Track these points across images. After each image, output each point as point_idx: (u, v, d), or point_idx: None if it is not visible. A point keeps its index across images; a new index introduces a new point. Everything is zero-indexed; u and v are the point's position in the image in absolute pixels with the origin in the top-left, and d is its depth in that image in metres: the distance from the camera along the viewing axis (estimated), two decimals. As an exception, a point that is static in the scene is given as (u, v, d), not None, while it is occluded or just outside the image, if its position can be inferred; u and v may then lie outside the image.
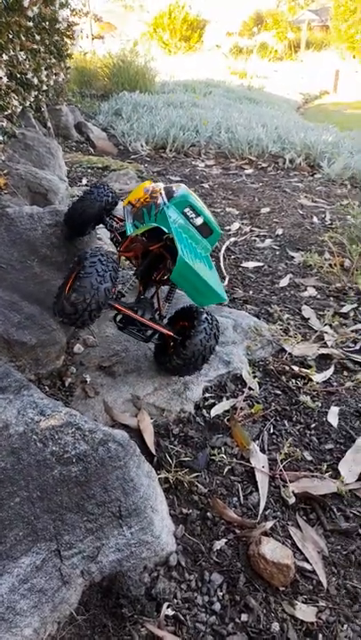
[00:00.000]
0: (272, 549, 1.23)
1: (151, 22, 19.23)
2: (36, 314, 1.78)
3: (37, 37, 3.37)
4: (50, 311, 1.81)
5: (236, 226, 3.49)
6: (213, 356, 1.90)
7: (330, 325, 2.29)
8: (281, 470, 1.50)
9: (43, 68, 3.59)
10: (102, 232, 2.78)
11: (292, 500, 1.43)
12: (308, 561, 1.28)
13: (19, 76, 3.17)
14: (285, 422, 1.72)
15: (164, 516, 1.31)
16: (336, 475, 1.52)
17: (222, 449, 1.56)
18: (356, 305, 2.50)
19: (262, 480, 1.47)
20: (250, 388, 1.81)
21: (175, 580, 1.19)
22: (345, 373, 2.01)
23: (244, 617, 1.13)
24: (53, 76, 4.06)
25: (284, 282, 2.72)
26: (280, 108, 8.64)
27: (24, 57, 2.99)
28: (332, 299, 2.57)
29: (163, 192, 1.76)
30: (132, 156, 5.24)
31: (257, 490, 1.45)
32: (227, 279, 2.67)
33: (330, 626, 1.14)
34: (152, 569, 1.20)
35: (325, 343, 2.16)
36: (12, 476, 1.15)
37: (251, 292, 2.57)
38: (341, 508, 1.43)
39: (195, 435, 1.61)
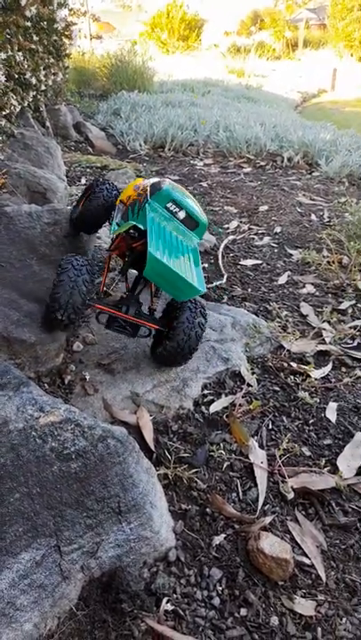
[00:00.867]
0: (271, 544, 1.24)
1: (149, 22, 19.23)
2: (35, 312, 1.78)
3: (35, 37, 3.38)
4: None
5: (234, 224, 3.50)
6: (212, 353, 1.90)
7: (328, 322, 2.29)
8: (280, 466, 1.50)
9: (41, 67, 3.59)
10: (101, 231, 2.79)
11: (290, 496, 1.43)
12: (306, 555, 1.29)
13: (17, 75, 3.17)
14: (284, 418, 1.72)
15: (163, 511, 1.31)
16: (335, 470, 1.52)
17: (221, 445, 1.57)
18: (354, 302, 2.50)
19: (261, 475, 1.48)
20: (248, 385, 1.81)
21: (174, 576, 1.19)
22: (343, 369, 2.02)
23: (243, 611, 1.14)
24: (52, 76, 4.07)
25: (282, 279, 2.73)
26: (278, 106, 8.63)
27: (22, 57, 3.00)
28: (330, 296, 2.58)
29: (149, 189, 1.76)
30: (131, 156, 5.24)
31: (256, 485, 1.45)
32: (225, 277, 2.67)
33: (329, 619, 1.14)
34: (151, 564, 1.21)
35: (324, 340, 2.16)
36: (11, 472, 1.15)
37: (249, 290, 2.58)
38: (340, 503, 1.43)
39: (194, 431, 1.61)
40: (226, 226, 3.48)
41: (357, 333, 2.24)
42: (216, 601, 1.15)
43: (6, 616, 1.02)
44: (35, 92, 3.67)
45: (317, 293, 2.60)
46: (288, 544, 1.27)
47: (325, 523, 1.38)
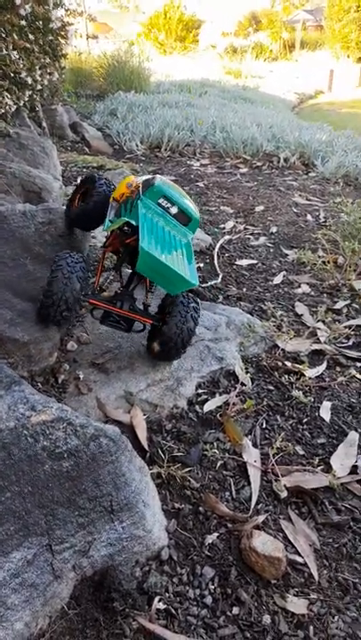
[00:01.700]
0: (263, 543, 1.24)
1: (146, 23, 19.24)
2: (29, 311, 1.78)
3: (31, 37, 3.38)
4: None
5: (230, 224, 3.50)
6: (206, 353, 1.90)
7: (323, 322, 2.29)
8: (273, 464, 1.50)
9: (37, 67, 3.59)
10: (96, 230, 2.79)
11: (283, 494, 1.43)
12: (299, 554, 1.28)
13: (12, 75, 3.17)
14: (278, 417, 1.72)
15: (155, 510, 1.31)
16: (328, 469, 1.52)
17: (215, 444, 1.57)
18: (349, 301, 2.51)
19: (254, 474, 1.47)
20: (242, 384, 1.81)
21: (167, 574, 1.19)
22: (338, 369, 2.02)
23: (235, 610, 1.14)
24: (48, 76, 4.06)
25: (277, 279, 2.73)
26: (275, 107, 8.65)
27: (17, 56, 3.00)
28: (325, 295, 2.58)
29: (141, 185, 1.77)
30: (128, 156, 5.24)
31: (249, 484, 1.45)
32: (220, 277, 2.67)
33: (321, 618, 1.14)
34: (144, 563, 1.20)
35: (318, 339, 2.16)
36: (2, 470, 1.14)
37: (244, 290, 2.58)
38: (333, 502, 1.43)
39: (187, 430, 1.61)
40: (222, 226, 3.48)
41: (352, 333, 2.24)
42: (208, 599, 1.15)
43: (-3, 615, 1.02)
44: (30, 92, 3.67)
45: (313, 293, 2.60)
46: (281, 542, 1.27)
47: (318, 521, 1.38)
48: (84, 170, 4.39)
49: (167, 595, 1.14)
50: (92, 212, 2.04)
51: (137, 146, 5.39)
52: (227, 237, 3.25)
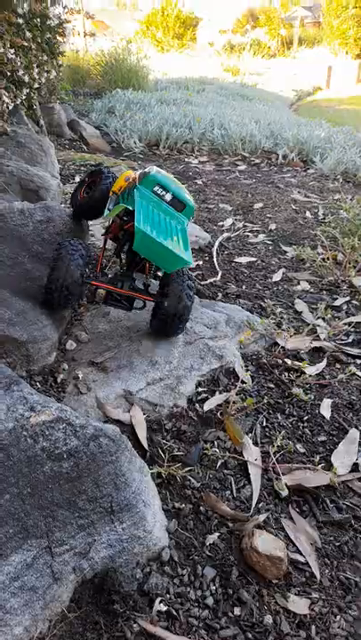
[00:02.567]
0: (264, 542, 1.23)
1: (144, 20, 19.15)
2: (28, 310, 1.76)
3: (28, 34, 3.36)
4: (42, 307, 1.81)
5: (229, 222, 3.48)
6: (206, 351, 1.89)
7: (323, 319, 2.28)
8: (274, 463, 1.49)
9: (34, 65, 3.57)
10: (94, 228, 2.77)
11: (284, 493, 1.42)
12: (301, 553, 1.28)
13: (9, 73, 3.15)
14: (278, 415, 1.71)
15: (156, 510, 1.30)
16: (329, 466, 1.51)
17: (215, 443, 1.56)
18: (348, 298, 2.50)
19: (255, 473, 1.46)
20: (243, 382, 1.80)
21: (168, 575, 1.18)
22: (338, 366, 2.01)
23: (237, 610, 1.13)
24: (45, 74, 4.05)
25: (277, 276, 2.72)
26: (273, 104, 8.62)
27: (14, 54, 2.98)
28: (324, 292, 2.57)
29: (137, 176, 1.87)
30: (126, 154, 5.23)
31: (250, 483, 1.44)
32: (219, 274, 2.66)
33: (323, 617, 1.13)
34: (144, 564, 1.19)
35: (318, 336, 2.15)
36: (1, 472, 1.13)
37: (244, 287, 2.57)
38: (334, 500, 1.43)
39: (188, 429, 1.60)
40: (220, 223, 3.47)
41: (352, 330, 2.23)
42: (210, 600, 1.14)
43: (-4, 618, 1.01)
44: (28, 90, 3.65)
45: (312, 290, 2.59)
46: (282, 541, 1.26)
47: (320, 520, 1.37)
48: (82, 168, 4.37)
49: (168, 596, 1.13)
50: (98, 201, 2.12)
51: (135, 143, 5.37)
52: (226, 235, 3.24)
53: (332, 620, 1.12)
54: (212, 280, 2.58)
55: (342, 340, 2.17)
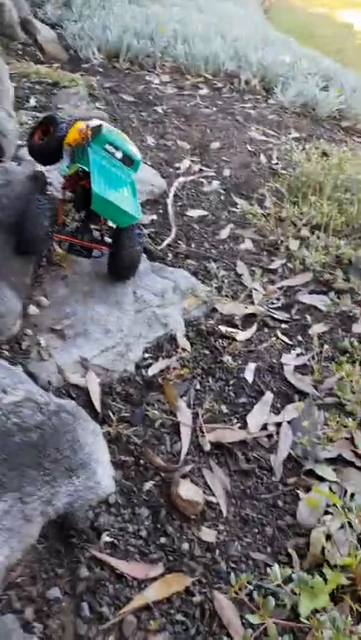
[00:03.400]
0: (187, 489, 1.63)
1: None
2: (-8, 284, 1.96)
3: None
4: (4, 281, 2.00)
5: (186, 164, 3.57)
6: (153, 319, 2.17)
7: (260, 282, 2.58)
8: (201, 423, 1.87)
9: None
10: (53, 177, 2.84)
11: (207, 448, 1.81)
12: (214, 495, 1.69)
13: None
14: (210, 379, 2.07)
15: (105, 464, 1.66)
16: (245, 425, 1.90)
17: (155, 405, 1.90)
18: (285, 260, 2.77)
19: (185, 432, 1.84)
20: (183, 349, 2.12)
21: (113, 515, 1.57)
22: (266, 330, 2.34)
23: (163, 540, 1.54)
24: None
25: (224, 233, 2.93)
26: (245, 2, 8.07)
27: None
28: (265, 253, 2.83)
29: (90, 132, 2.11)
30: (84, 65, 4.98)
31: (180, 440, 1.82)
32: (173, 231, 2.83)
33: (225, 543, 1.57)
34: (95, 507, 1.57)
35: (253, 301, 2.46)
36: (-18, 445, 1.44)
37: (193, 246, 2.78)
38: (245, 453, 1.83)
39: (134, 393, 1.93)
40: (177, 165, 3.56)
41: (282, 294, 2.54)
42: (143, 533, 1.55)
43: (-16, 551, 1.37)
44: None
45: (254, 250, 2.85)
46: (201, 488, 1.67)
47: (232, 469, 1.78)
48: (37, 87, 4.20)
49: (112, 530, 1.53)
50: (54, 148, 2.27)
51: (94, 54, 5.10)
52: (181, 180, 3.36)
53: (232, 545, 1.56)
54: (167, 242, 2.71)
55: (273, 304, 2.48)
